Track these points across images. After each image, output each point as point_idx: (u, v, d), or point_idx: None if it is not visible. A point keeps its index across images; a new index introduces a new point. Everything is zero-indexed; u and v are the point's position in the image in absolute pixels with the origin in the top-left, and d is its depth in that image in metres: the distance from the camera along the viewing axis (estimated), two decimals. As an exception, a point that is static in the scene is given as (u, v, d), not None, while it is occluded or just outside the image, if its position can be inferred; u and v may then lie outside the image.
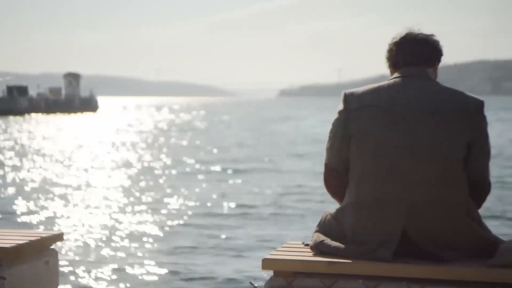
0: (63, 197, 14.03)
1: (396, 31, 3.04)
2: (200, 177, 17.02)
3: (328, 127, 2.92)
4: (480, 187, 2.84)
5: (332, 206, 3.02)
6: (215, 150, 24.93)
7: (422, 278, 2.62)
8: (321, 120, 50.42)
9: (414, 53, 2.91)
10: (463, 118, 2.77)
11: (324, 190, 2.98)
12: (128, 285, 7.35)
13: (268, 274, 2.80)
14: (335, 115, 2.93)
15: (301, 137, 32.10)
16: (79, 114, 71.23)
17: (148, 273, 7.78)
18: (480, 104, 2.82)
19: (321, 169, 3.01)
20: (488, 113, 2.81)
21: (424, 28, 3.01)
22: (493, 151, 3.33)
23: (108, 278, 7.55)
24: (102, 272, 7.74)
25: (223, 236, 9.80)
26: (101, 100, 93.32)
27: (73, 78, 79.57)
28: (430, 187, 2.74)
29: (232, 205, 12.79)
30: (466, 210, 2.78)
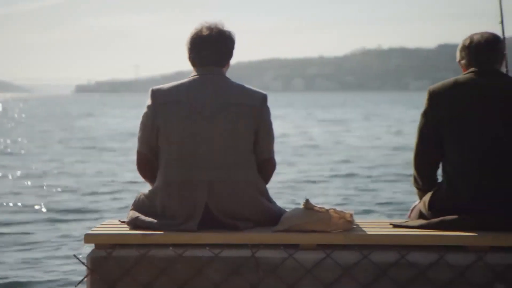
0: None
1: (192, 30, 3.36)
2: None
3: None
4: (266, 166, 3.44)
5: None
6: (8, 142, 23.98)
7: (221, 244, 3.18)
8: (121, 116, 50.04)
9: (210, 54, 3.38)
10: (250, 109, 3.34)
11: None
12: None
13: (90, 247, 3.20)
14: (144, 109, 3.39)
15: (103, 132, 31.76)
16: None
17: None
18: (264, 97, 3.41)
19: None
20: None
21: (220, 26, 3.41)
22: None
23: None
24: None
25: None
26: None
27: None
28: (226, 169, 3.29)
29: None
30: (256, 186, 3.36)
